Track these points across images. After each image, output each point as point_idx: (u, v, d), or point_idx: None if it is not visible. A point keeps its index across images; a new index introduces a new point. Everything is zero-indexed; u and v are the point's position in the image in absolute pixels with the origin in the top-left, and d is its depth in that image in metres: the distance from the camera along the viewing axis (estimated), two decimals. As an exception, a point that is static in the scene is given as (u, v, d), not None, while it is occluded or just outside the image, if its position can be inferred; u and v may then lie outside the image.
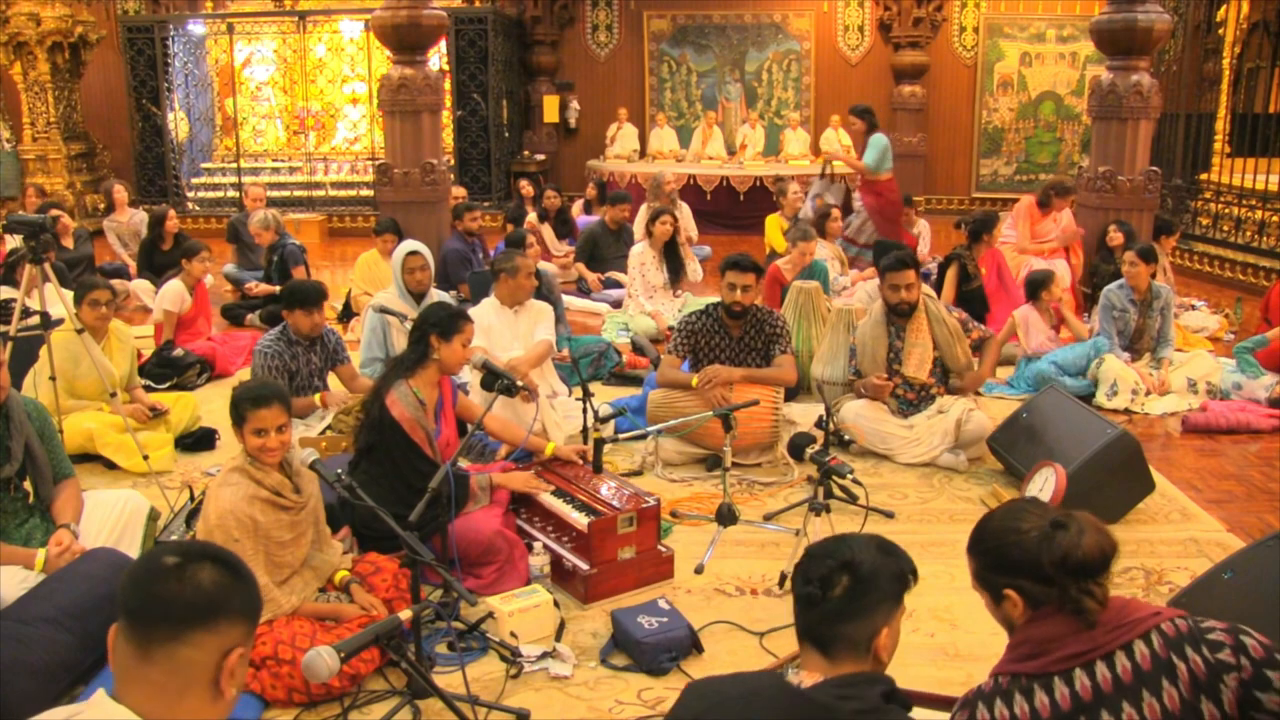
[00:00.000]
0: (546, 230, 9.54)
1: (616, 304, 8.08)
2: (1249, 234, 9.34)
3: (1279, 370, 5.95)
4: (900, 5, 13.34)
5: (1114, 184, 7.80)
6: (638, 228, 8.27)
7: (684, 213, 9.98)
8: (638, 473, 4.79)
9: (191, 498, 4.09)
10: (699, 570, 3.82)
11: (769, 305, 5.90)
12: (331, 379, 5.22)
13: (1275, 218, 9.11)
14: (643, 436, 4.81)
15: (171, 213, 8.55)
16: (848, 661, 1.80)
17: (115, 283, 7.55)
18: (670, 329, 5.69)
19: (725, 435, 4.04)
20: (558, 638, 3.35)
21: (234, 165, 13.01)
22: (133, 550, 3.56)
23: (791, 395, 5.53)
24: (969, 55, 13.79)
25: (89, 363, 4.76)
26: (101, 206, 11.31)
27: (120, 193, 9.45)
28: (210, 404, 5.58)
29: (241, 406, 3.08)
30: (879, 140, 8.57)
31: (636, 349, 5.20)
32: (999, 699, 1.82)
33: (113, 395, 4.72)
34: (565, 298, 7.50)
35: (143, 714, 1.46)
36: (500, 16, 12.84)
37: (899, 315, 4.97)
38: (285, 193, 12.67)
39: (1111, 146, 7.84)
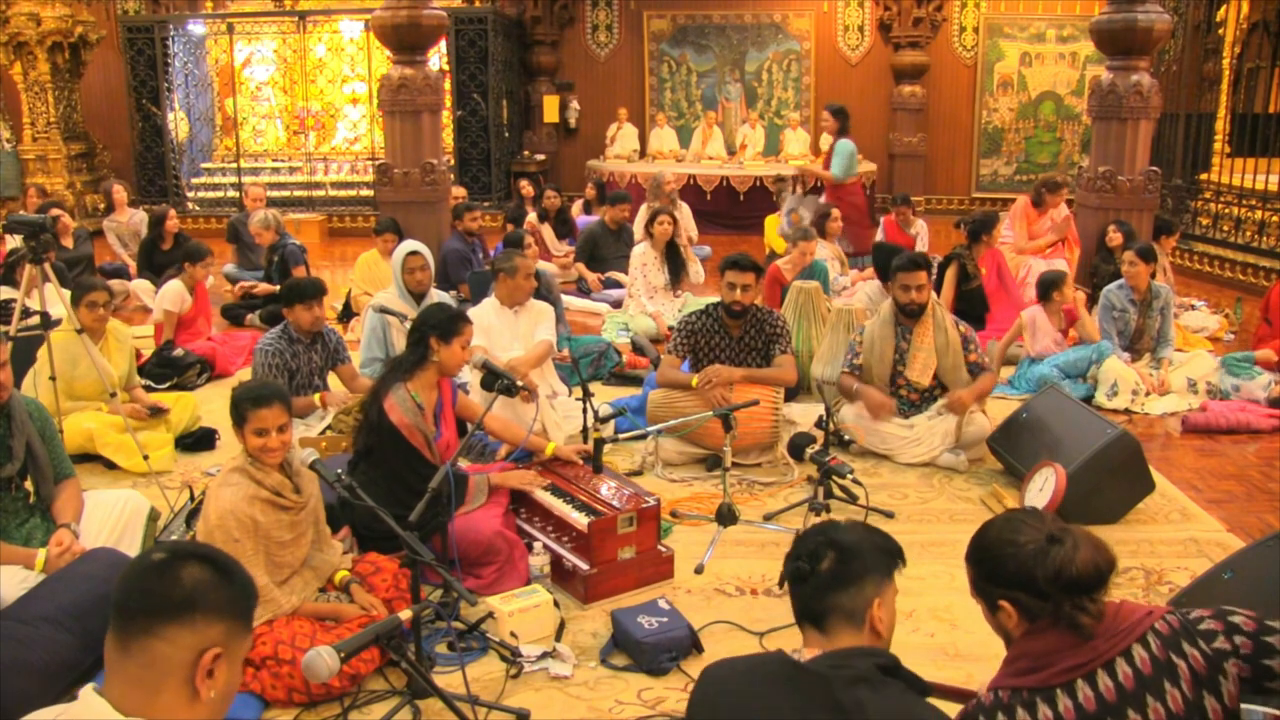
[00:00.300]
0: (546, 230, 9.53)
1: (616, 304, 8.08)
2: (1249, 234, 9.34)
3: (1278, 370, 5.95)
4: (900, 5, 13.34)
5: (1114, 184, 7.80)
6: (637, 228, 8.28)
7: (684, 213, 9.97)
8: (638, 473, 4.79)
9: (191, 498, 4.09)
10: (699, 570, 3.82)
11: (769, 305, 5.90)
12: (331, 378, 5.24)
13: (1275, 218, 9.10)
14: (643, 436, 4.81)
15: (172, 212, 8.57)
16: (845, 635, 1.85)
17: (115, 283, 7.60)
18: (671, 329, 5.69)
19: (725, 435, 4.04)
20: (558, 638, 3.35)
21: (234, 165, 13.01)
22: (133, 550, 3.56)
23: (791, 395, 5.53)
24: (969, 55, 13.78)
25: (88, 363, 4.76)
26: (101, 206, 11.32)
27: (120, 193, 9.45)
28: (210, 404, 5.58)
29: (242, 406, 3.08)
30: (845, 147, 8.64)
31: (636, 349, 5.19)
32: (1000, 713, 1.81)
33: (112, 395, 4.72)
34: (565, 298, 7.50)
35: (120, 708, 1.45)
36: (500, 16, 12.84)
37: (908, 316, 4.96)
38: (285, 193, 12.67)
39: (1111, 146, 7.85)
